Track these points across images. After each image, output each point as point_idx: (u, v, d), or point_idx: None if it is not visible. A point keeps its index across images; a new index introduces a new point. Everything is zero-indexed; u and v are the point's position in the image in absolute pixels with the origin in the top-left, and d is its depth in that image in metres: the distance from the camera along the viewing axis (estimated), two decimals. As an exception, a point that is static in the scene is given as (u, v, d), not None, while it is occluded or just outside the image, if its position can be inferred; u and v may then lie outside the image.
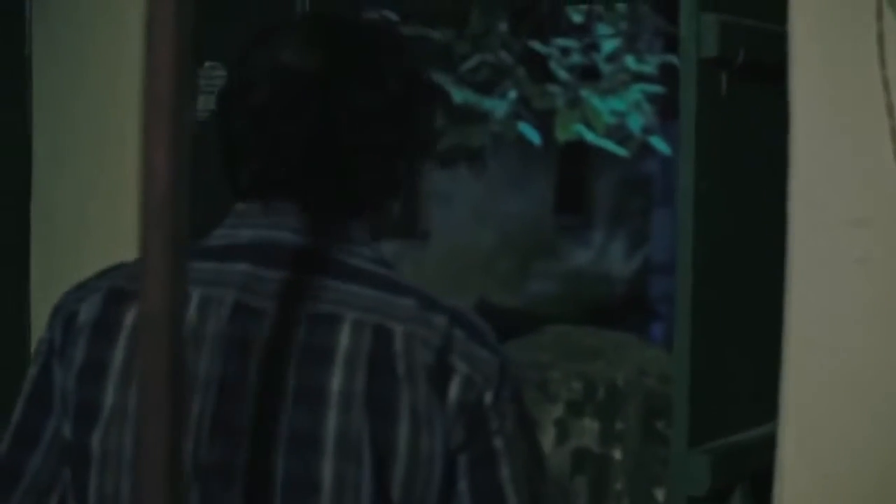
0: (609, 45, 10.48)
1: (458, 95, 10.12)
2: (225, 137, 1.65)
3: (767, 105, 2.25)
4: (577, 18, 10.17)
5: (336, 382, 1.53)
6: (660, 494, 5.74)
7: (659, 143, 10.69)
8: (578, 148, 12.00)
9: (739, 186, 2.36)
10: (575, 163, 15.79)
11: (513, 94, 10.46)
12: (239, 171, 1.64)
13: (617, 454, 5.77)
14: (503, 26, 10.13)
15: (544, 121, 10.59)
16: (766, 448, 2.10)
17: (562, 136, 10.49)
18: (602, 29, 10.31)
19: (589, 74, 10.50)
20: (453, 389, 1.54)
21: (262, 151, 1.62)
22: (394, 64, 1.64)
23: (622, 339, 6.47)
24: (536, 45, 10.40)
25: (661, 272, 14.51)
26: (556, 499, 1.63)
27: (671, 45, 10.22)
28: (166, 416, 0.95)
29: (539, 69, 10.40)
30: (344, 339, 1.54)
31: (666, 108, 10.41)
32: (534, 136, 10.50)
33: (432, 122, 1.72)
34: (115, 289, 1.63)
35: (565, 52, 10.50)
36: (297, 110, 1.60)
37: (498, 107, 10.46)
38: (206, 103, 2.99)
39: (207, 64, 2.96)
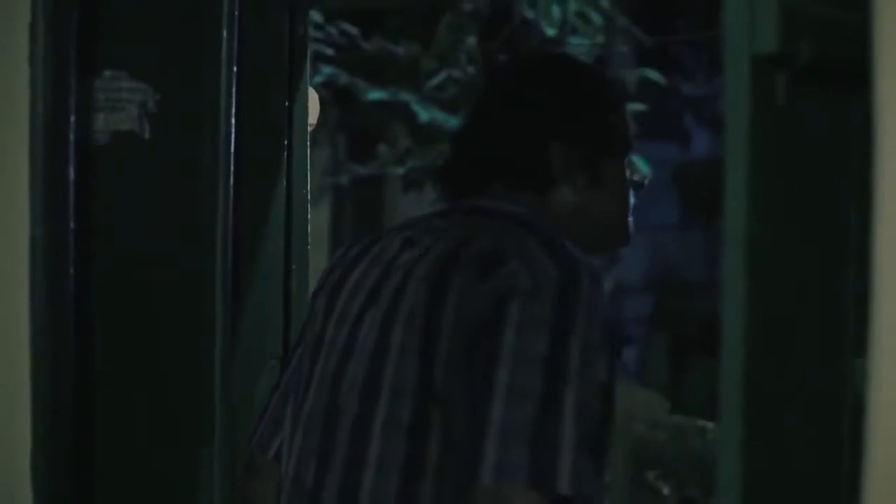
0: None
1: (424, 114, 9.87)
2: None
3: (842, 118, 1.83)
4: (549, 32, 9.77)
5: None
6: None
7: (640, 164, 10.25)
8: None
9: (806, 228, 1.83)
10: (548, 183, 15.56)
11: (482, 113, 10.09)
12: None
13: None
14: (471, 41, 9.80)
15: (516, 140, 10.26)
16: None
17: (535, 155, 10.13)
18: (576, 42, 9.92)
19: (563, 91, 10.13)
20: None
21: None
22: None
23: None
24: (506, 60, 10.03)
25: (634, 293, 14.28)
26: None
27: (649, 58, 9.87)
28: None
29: (510, 86, 10.06)
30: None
31: (645, 126, 9.98)
32: (505, 157, 10.18)
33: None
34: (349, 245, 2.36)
35: (537, 67, 10.11)
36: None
37: (467, 126, 10.10)
38: (108, 123, 2.49)
39: (108, 73, 2.54)
